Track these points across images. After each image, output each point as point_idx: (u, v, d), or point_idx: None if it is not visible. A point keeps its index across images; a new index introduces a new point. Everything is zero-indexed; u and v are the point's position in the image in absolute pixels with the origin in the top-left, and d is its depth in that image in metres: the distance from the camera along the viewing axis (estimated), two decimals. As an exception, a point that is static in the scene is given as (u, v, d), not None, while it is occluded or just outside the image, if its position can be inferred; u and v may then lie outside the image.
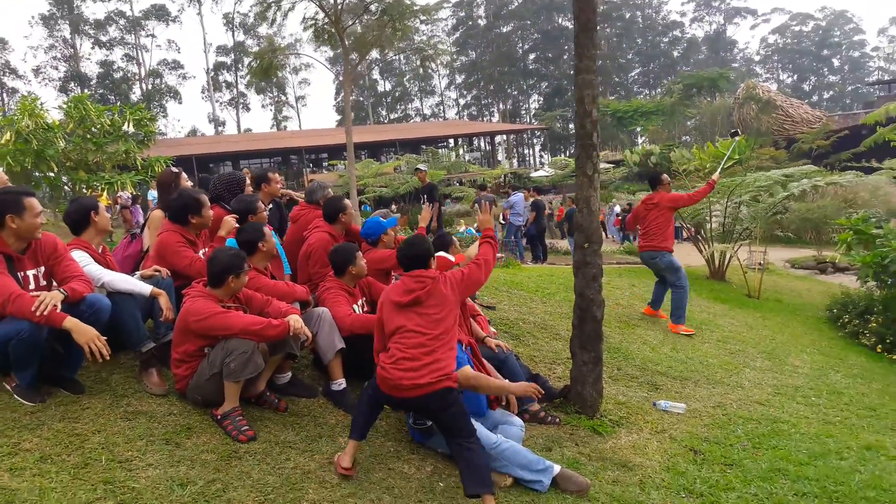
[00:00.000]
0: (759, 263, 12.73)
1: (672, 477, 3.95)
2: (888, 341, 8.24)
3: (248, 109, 76.74)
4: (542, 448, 4.10)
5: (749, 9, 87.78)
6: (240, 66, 66.19)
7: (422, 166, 10.22)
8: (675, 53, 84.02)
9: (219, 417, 3.45)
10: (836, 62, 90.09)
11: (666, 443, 4.44)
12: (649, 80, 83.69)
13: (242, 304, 3.72)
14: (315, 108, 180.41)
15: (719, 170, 8.42)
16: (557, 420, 4.55)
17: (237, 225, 4.36)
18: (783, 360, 6.97)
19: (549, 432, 4.37)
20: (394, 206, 27.49)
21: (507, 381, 4.01)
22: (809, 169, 13.57)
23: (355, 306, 4.39)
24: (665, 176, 7.70)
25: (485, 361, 4.12)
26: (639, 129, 53.47)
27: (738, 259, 11.54)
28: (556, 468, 3.68)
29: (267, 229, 4.19)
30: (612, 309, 7.76)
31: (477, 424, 3.76)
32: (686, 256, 15.08)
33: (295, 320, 3.54)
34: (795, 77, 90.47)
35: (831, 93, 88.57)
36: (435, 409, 3.28)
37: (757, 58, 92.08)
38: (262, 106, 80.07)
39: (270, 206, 5.52)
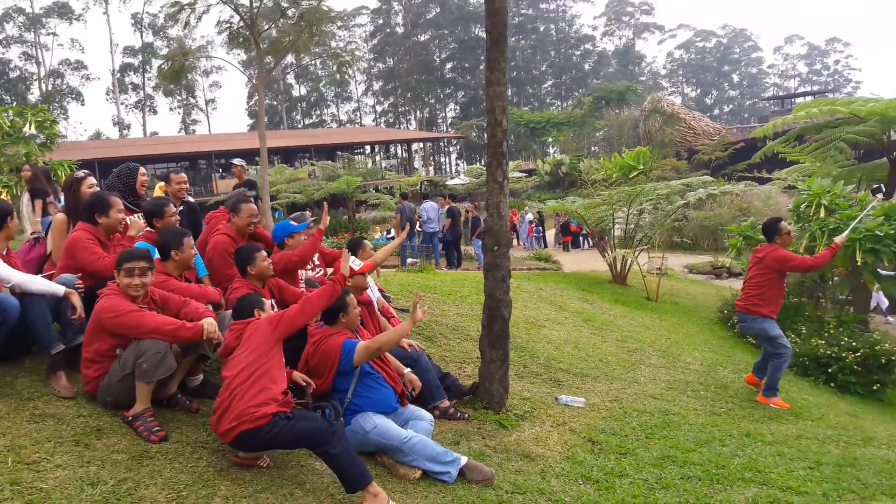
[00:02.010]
0: (659, 268, 13.48)
1: (571, 466, 4.23)
2: (770, 339, 8.94)
3: (155, 112, 73.87)
4: (451, 442, 4.29)
5: (657, 24, 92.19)
6: (147, 67, 63.80)
7: (237, 161, 9.60)
8: (587, 66, 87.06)
9: (129, 419, 3.44)
10: (735, 77, 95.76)
11: (566, 434, 4.72)
12: (561, 92, 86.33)
13: (158, 305, 3.73)
14: (226, 111, 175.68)
15: (846, 233, 6.63)
16: (466, 416, 4.75)
17: (146, 227, 4.35)
18: (677, 357, 7.48)
19: (457, 427, 4.57)
20: (308, 213, 27.23)
21: (398, 326, 4.12)
22: (706, 179, 14.49)
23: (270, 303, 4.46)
24: (784, 225, 6.25)
25: (388, 357, 4.28)
26: (550, 139, 55.00)
27: (639, 264, 12.19)
28: (463, 460, 3.88)
29: (187, 240, 4.20)
30: (521, 311, 8.08)
31: (387, 421, 3.93)
32: (592, 262, 15.79)
33: (209, 323, 3.59)
34: (699, 91, 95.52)
35: (731, 106, 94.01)
36: (257, 446, 3.36)
37: (663, 72, 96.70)
38: (171, 109, 77.15)
39: (181, 207, 5.49)
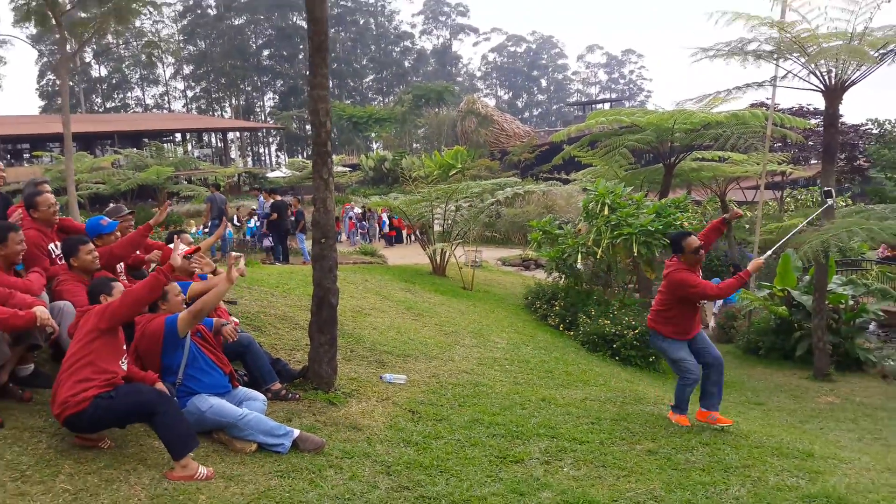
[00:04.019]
0: (475, 261, 14.55)
1: (394, 433, 4.75)
2: (567, 321, 10.19)
3: (-79, 87, 63.92)
4: (283, 419, 4.61)
5: (472, 27, 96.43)
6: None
7: None
8: (407, 63, 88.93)
9: (-43, 410, 3.40)
10: (544, 82, 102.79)
11: (390, 407, 5.24)
12: (383, 88, 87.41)
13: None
14: (13, 90, 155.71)
15: (770, 252, 6.07)
16: (297, 396, 5.09)
17: None
18: (487, 338, 8.33)
19: (289, 406, 4.90)
20: (112, 205, 25.39)
21: (216, 287, 4.16)
22: (514, 180, 15.84)
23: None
24: (692, 241, 5.26)
25: (216, 342, 4.51)
26: (373, 134, 55.73)
27: (455, 257, 13.10)
28: (296, 432, 4.23)
29: (12, 234, 4.12)
30: (347, 301, 8.49)
31: (223, 401, 4.18)
32: (415, 256, 16.57)
33: (41, 311, 3.62)
34: (511, 94, 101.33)
35: (540, 110, 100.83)
36: (87, 427, 3.53)
37: (479, 73, 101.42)
38: (-60, 84, 67.17)
39: None
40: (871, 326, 13.27)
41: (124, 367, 3.78)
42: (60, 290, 4.37)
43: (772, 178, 21.33)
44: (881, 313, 11.09)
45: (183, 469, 3.52)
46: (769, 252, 5.82)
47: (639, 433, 5.26)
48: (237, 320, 5.67)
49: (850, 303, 10.81)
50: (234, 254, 4.23)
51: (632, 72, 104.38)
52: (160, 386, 3.93)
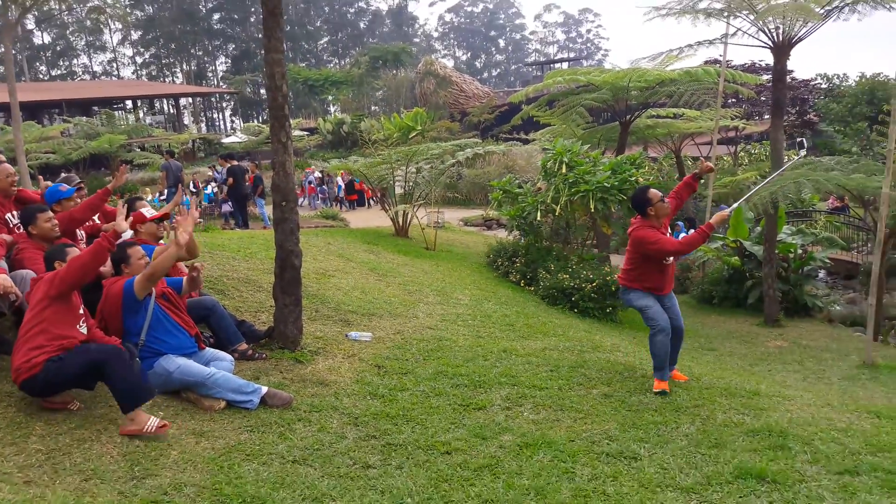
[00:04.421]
0: (437, 222, 14.66)
1: (360, 387, 4.89)
2: (528, 277, 10.41)
3: None
4: (251, 378, 4.69)
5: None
6: None
7: None
8: (362, 25, 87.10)
9: (-80, 378, 3.42)
10: (501, 42, 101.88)
11: (356, 363, 5.37)
12: (338, 49, 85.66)
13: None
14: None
15: (732, 207, 5.81)
16: (264, 356, 5.18)
17: None
18: (450, 295, 8.49)
19: (256, 366, 4.99)
20: (74, 175, 24.74)
21: (166, 251, 4.18)
22: (474, 141, 15.89)
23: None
24: (654, 193, 5.07)
25: (181, 304, 4.57)
26: (330, 97, 54.85)
27: (418, 218, 13.18)
28: (264, 389, 4.34)
29: None
30: (311, 263, 8.53)
31: (190, 361, 4.26)
32: (377, 220, 16.58)
33: (3, 279, 3.63)
34: (469, 55, 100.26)
35: (499, 70, 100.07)
36: (42, 390, 3.61)
37: (436, 34, 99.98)
38: None
39: None
40: (821, 274, 13.86)
41: (83, 330, 3.81)
42: (21, 259, 4.36)
43: (725, 133, 21.79)
44: (828, 261, 11.58)
45: (131, 422, 3.58)
46: (735, 204, 5.78)
47: (595, 378, 5.49)
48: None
49: (799, 252, 11.26)
50: (178, 217, 4.25)
51: (589, 31, 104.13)
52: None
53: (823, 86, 23.60)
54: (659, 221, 5.09)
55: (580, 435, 4.22)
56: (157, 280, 4.19)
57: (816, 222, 15.94)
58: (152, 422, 3.62)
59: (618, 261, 16.66)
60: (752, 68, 21.61)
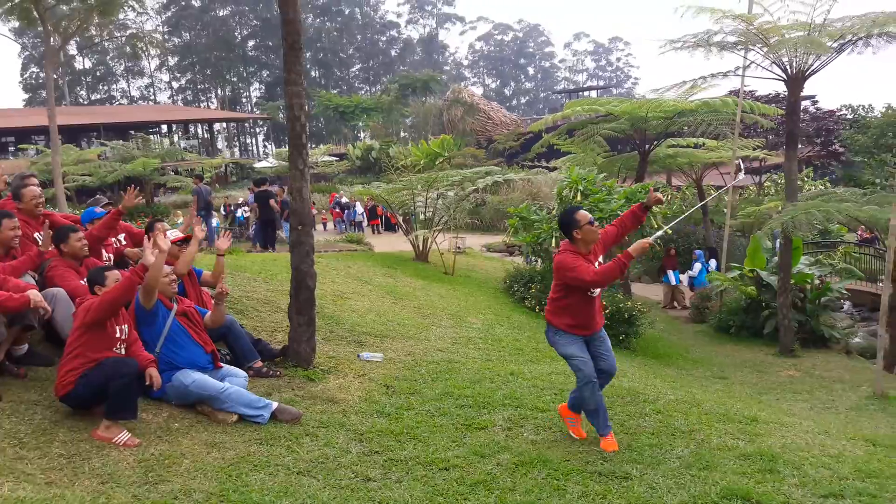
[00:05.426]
0: (458, 247, 14.88)
1: (368, 405, 5.09)
2: (543, 303, 10.53)
3: None
4: (264, 394, 4.92)
5: (458, 15, 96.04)
6: None
7: None
8: (393, 52, 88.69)
9: (-41, 384, 3.72)
10: (531, 70, 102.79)
11: (366, 383, 5.58)
12: (370, 77, 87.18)
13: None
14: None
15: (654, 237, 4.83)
16: (278, 373, 5.41)
17: None
18: (463, 319, 8.68)
19: (269, 383, 5.22)
20: (101, 196, 25.51)
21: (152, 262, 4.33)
22: (496, 168, 16.16)
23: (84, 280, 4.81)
24: (583, 215, 4.55)
25: (201, 321, 4.85)
26: (360, 124, 55.77)
27: (437, 244, 13.42)
28: (274, 404, 4.56)
29: (8, 221, 4.51)
30: (329, 286, 8.80)
31: (205, 376, 4.51)
32: (401, 244, 16.86)
33: (35, 294, 3.93)
34: (498, 82, 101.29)
35: (527, 98, 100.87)
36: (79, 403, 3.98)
37: (466, 62, 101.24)
38: (-78, 78, 66.87)
39: None
40: (846, 305, 13.75)
41: (120, 352, 4.10)
42: (52, 276, 4.68)
43: (750, 163, 21.76)
44: (845, 291, 11.52)
45: (106, 429, 3.83)
46: (656, 234, 4.98)
47: (599, 402, 5.61)
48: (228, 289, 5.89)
49: (816, 282, 11.23)
50: (158, 224, 4.56)
51: (619, 59, 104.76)
52: (152, 370, 4.21)
53: (849, 116, 23.48)
54: (587, 247, 4.54)
55: (576, 455, 4.36)
56: (152, 290, 4.40)
57: (834, 253, 15.85)
58: (122, 437, 3.84)
59: (638, 289, 16.76)
60: (776, 99, 21.64)
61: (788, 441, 4.70)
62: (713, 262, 15.02)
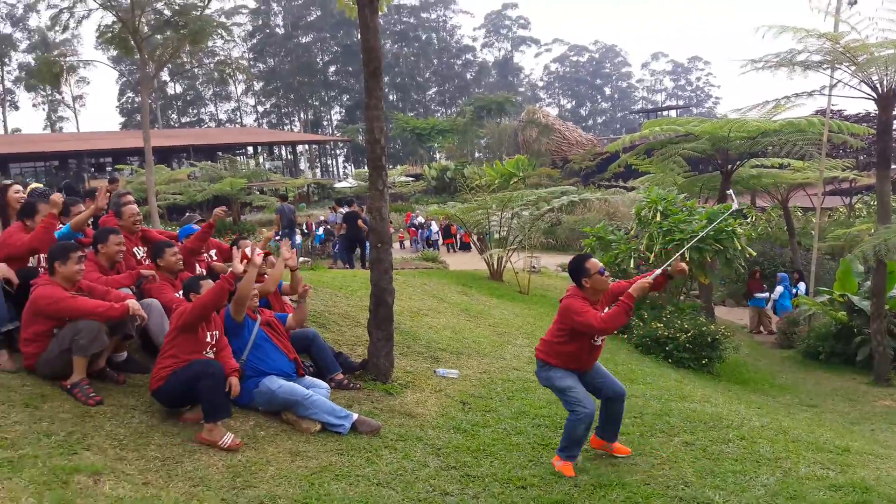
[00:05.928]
0: (532, 266, 14.84)
1: (445, 420, 5.16)
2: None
3: (16, 108, 68.87)
4: (345, 405, 5.05)
5: (533, 38, 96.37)
6: (6, 60, 59.40)
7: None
8: (469, 76, 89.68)
9: (68, 387, 4.01)
10: (607, 91, 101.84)
11: (442, 398, 5.65)
12: (445, 100, 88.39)
13: (86, 292, 4.30)
14: (95, 108, 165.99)
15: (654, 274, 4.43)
16: (358, 386, 5.56)
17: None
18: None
19: (350, 395, 5.37)
20: (191, 214, 26.83)
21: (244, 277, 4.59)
22: (571, 188, 16.07)
23: (179, 293, 5.12)
24: (593, 264, 4.46)
25: (284, 331, 5.10)
26: (436, 145, 56.54)
27: (511, 263, 13.43)
28: (355, 416, 4.70)
29: (115, 237, 4.88)
30: (406, 303, 8.95)
31: (291, 382, 4.70)
32: (476, 262, 16.96)
33: (133, 303, 4.21)
34: (574, 103, 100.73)
35: (604, 118, 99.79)
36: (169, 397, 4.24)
37: (541, 83, 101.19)
38: (34, 105, 72.30)
39: None
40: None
41: (210, 356, 4.33)
42: (149, 288, 5.01)
43: (838, 184, 20.80)
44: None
45: (209, 433, 4.03)
46: (659, 270, 4.47)
47: (678, 427, 5.48)
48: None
49: (914, 308, 10.59)
50: (242, 241, 4.85)
51: (699, 78, 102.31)
52: (233, 378, 4.42)
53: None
54: (595, 296, 4.43)
55: (655, 479, 4.28)
56: (242, 302, 4.65)
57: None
58: (227, 439, 4.04)
59: (722, 312, 16.22)
60: (866, 118, 20.64)
61: (883, 473, 4.46)
62: (802, 286, 14.37)
